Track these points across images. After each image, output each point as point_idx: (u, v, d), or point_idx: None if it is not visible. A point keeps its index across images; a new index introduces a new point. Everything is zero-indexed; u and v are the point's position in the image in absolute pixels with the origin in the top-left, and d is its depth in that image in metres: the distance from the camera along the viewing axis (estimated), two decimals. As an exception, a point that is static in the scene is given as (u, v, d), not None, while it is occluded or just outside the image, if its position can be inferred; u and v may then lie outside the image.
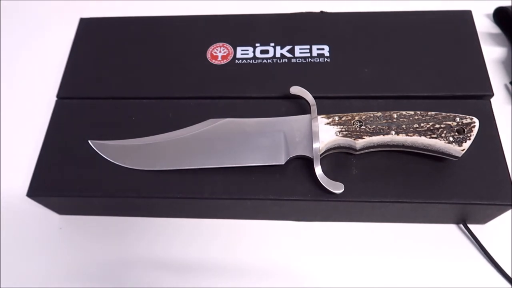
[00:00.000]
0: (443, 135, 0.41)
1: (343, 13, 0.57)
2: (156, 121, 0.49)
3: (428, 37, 0.53)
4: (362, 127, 0.42)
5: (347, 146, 0.43)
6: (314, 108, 0.44)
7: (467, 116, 0.41)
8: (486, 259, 0.47)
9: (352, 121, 0.43)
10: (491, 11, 0.65)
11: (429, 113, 0.42)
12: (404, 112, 0.42)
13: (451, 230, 0.49)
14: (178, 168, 0.45)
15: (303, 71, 0.52)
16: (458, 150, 0.40)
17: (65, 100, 0.53)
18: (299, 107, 0.49)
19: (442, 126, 0.41)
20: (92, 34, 0.58)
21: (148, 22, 0.58)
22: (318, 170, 0.42)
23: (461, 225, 0.49)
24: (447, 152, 0.41)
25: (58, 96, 0.53)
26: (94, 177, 0.46)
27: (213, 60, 0.54)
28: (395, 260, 0.48)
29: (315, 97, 0.46)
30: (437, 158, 0.43)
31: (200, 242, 0.50)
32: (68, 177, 0.47)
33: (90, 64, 0.55)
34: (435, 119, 0.41)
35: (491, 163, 0.44)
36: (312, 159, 0.42)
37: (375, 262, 0.48)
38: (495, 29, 0.64)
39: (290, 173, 0.45)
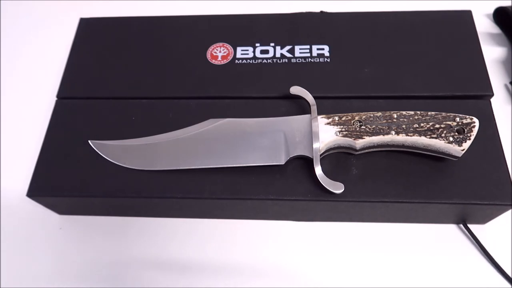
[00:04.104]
0: (443, 135, 0.41)
1: (343, 13, 0.57)
2: (156, 121, 0.49)
3: (428, 37, 0.53)
4: (362, 127, 0.42)
5: (347, 146, 0.43)
6: (314, 108, 0.44)
7: (467, 116, 0.41)
8: (486, 259, 0.47)
9: (352, 121, 0.43)
10: (491, 11, 0.65)
11: (429, 113, 0.42)
12: (404, 112, 0.42)
13: (451, 230, 0.49)
14: (178, 168, 0.45)
15: (303, 71, 0.52)
16: (458, 150, 0.40)
17: (65, 100, 0.52)
18: (299, 107, 0.49)
19: (442, 126, 0.41)
20: (92, 34, 0.58)
21: (148, 22, 0.58)
22: (318, 170, 0.42)
23: (461, 225, 0.49)
24: (447, 152, 0.41)
25: (58, 96, 0.53)
26: (94, 177, 0.46)
27: (213, 60, 0.54)
28: (395, 260, 0.48)
29: (315, 97, 0.46)
30: (437, 158, 0.43)
31: (200, 242, 0.50)
32: (68, 177, 0.47)
33: (90, 64, 0.55)
34: (435, 119, 0.41)
35: (491, 163, 0.44)
36: (312, 159, 0.42)
37: (375, 262, 0.48)
38: (495, 29, 0.64)
39: (290, 173, 0.45)
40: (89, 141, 0.48)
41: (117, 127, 0.49)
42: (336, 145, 0.43)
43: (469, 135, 0.40)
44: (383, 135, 0.42)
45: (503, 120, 0.55)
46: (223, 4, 0.70)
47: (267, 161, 0.43)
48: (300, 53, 0.53)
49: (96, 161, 0.47)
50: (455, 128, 0.41)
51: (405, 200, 0.43)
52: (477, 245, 0.48)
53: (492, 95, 0.48)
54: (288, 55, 0.53)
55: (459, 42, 0.52)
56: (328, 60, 0.52)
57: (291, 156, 0.43)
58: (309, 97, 0.46)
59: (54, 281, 0.49)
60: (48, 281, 0.49)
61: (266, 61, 0.53)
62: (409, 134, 0.41)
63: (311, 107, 0.45)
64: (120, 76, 0.53)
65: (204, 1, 0.71)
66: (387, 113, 0.43)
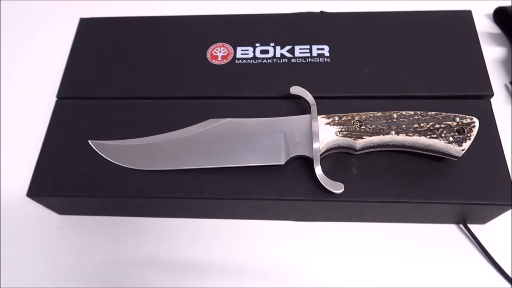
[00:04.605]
0: (443, 135, 0.41)
1: (343, 13, 0.57)
2: (156, 121, 0.49)
3: (428, 37, 0.53)
4: (362, 127, 0.42)
5: (347, 146, 0.43)
6: (314, 108, 0.44)
7: (467, 116, 0.41)
8: (486, 259, 0.47)
9: (352, 121, 0.43)
10: (491, 11, 0.65)
11: (429, 113, 0.42)
12: (404, 112, 0.42)
13: (451, 230, 0.49)
14: (178, 168, 0.45)
15: (303, 71, 0.52)
16: (458, 150, 0.40)
17: (65, 100, 0.52)
18: (299, 107, 0.49)
19: (442, 126, 0.41)
20: (92, 34, 0.58)
21: (148, 22, 0.58)
22: (318, 170, 0.42)
23: (461, 225, 0.49)
24: (447, 152, 0.41)
25: (58, 96, 0.53)
26: (94, 177, 0.46)
27: (213, 60, 0.54)
28: (395, 260, 0.48)
29: (315, 97, 0.46)
30: (437, 158, 0.43)
31: (200, 242, 0.50)
32: (68, 177, 0.47)
33: (90, 64, 0.55)
34: (435, 119, 0.41)
35: (491, 163, 0.44)
36: (312, 159, 0.42)
37: (375, 262, 0.48)
38: (495, 29, 0.64)
39: (290, 173, 0.45)
40: (89, 141, 0.48)
41: (117, 127, 0.49)
42: (336, 145, 0.44)
43: (469, 135, 0.40)
44: (383, 135, 0.42)
45: (503, 120, 0.55)
46: (223, 4, 0.70)
47: (267, 161, 0.43)
48: (300, 53, 0.53)
49: (96, 161, 0.47)
50: (455, 128, 0.41)
51: (405, 200, 0.43)
52: (477, 245, 0.48)
53: (492, 95, 0.48)
54: (288, 55, 0.53)
55: (459, 42, 0.52)
56: (328, 60, 0.52)
57: (291, 156, 0.43)
58: (309, 97, 0.46)
59: (54, 281, 0.49)
60: (48, 281, 0.49)
61: (266, 61, 0.53)
62: (409, 134, 0.41)
63: (311, 107, 0.45)
64: (120, 76, 0.53)
65: (204, 1, 0.71)
66: (387, 113, 0.43)
